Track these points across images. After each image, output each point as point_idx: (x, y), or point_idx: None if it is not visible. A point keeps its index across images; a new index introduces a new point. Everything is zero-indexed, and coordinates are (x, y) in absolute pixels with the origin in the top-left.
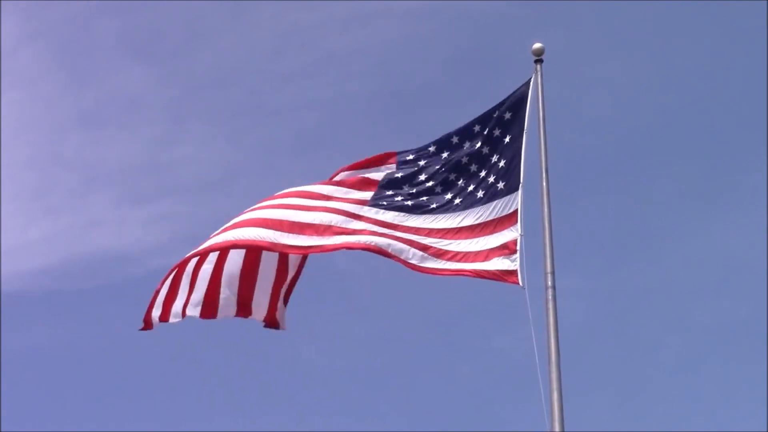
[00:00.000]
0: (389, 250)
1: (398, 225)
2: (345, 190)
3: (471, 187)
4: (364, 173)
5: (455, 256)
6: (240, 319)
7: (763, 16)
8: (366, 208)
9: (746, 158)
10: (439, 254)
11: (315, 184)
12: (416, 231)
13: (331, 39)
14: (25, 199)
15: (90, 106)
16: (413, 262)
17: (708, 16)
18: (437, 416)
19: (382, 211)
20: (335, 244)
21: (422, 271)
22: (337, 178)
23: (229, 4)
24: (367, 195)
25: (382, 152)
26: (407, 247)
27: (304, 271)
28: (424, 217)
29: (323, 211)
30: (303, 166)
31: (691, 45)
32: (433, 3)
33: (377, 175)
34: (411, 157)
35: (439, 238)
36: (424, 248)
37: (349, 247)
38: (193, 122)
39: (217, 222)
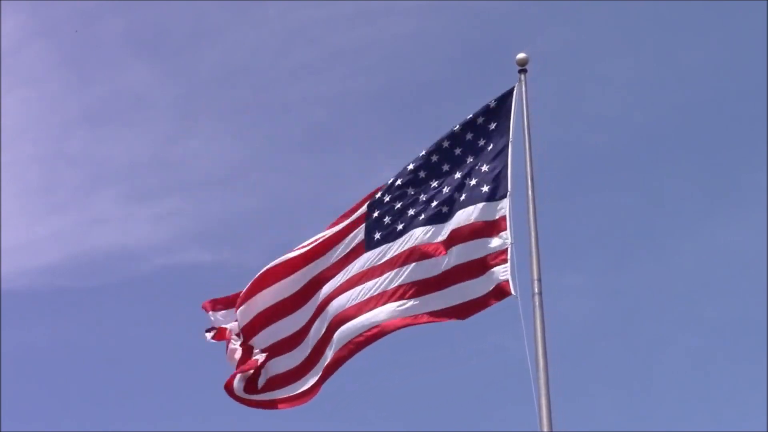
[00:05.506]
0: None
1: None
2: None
3: (454, 194)
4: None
5: (446, 279)
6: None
7: (763, 16)
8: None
9: (748, 157)
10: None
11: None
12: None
13: (337, 35)
14: (30, 197)
15: (95, 104)
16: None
17: (709, 16)
18: (436, 415)
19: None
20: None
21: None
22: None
23: (235, 1)
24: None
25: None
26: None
27: None
28: (419, 229)
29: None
30: (310, 162)
31: (693, 44)
32: (438, 1)
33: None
34: (389, 196)
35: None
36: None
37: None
38: (199, 119)
39: (222, 219)
